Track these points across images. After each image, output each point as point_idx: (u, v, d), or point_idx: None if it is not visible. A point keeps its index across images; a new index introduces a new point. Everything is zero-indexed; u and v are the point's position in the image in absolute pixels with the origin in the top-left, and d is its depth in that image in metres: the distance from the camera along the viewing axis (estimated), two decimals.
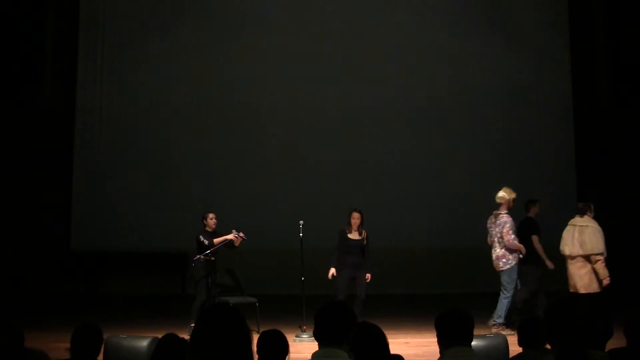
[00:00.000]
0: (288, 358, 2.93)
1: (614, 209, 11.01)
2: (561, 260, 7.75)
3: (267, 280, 10.54)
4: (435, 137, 12.03)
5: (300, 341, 6.85)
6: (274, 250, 10.93)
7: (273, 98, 12.05)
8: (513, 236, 7.42)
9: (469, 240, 11.51)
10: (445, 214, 11.64)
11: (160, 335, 3.47)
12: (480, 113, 12.05)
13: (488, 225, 7.68)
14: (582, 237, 7.41)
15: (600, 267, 7.32)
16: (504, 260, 7.44)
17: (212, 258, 7.80)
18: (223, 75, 12.13)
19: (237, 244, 7.83)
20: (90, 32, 12.30)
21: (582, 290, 7.37)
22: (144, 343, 4.92)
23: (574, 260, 7.47)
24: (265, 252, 11.01)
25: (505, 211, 7.57)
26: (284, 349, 2.91)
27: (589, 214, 7.56)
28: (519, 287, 7.61)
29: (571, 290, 7.43)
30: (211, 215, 7.93)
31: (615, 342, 3.64)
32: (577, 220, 7.56)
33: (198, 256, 7.67)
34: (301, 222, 7.64)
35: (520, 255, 7.48)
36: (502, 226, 7.44)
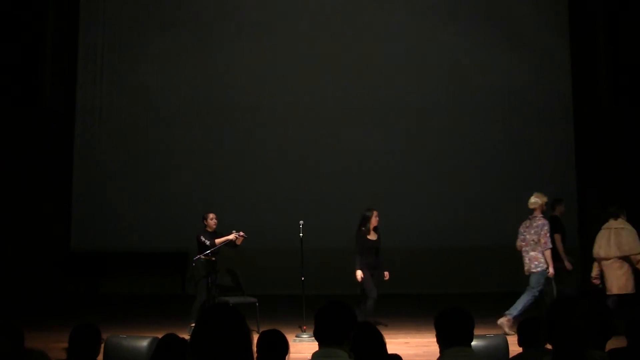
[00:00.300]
0: (288, 358, 2.93)
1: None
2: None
3: (267, 280, 10.54)
4: (435, 137, 12.03)
5: (300, 341, 6.85)
6: (274, 250, 10.93)
7: (273, 98, 12.05)
8: (549, 240, 7.49)
9: (469, 240, 11.54)
10: (445, 214, 11.64)
11: (160, 335, 3.47)
12: (480, 113, 12.05)
13: (521, 230, 7.73)
14: (619, 239, 7.47)
15: None
16: (535, 262, 7.50)
17: (213, 258, 7.81)
18: (223, 75, 12.13)
19: (238, 242, 7.85)
20: (90, 32, 12.30)
21: (615, 291, 7.43)
22: (144, 343, 4.93)
23: (610, 262, 7.52)
24: (265, 252, 11.01)
25: (541, 215, 7.64)
26: (284, 348, 2.91)
27: (622, 216, 7.62)
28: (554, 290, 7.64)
29: (607, 293, 7.46)
30: (211, 215, 7.94)
31: (615, 342, 3.63)
32: (612, 223, 7.63)
33: (198, 256, 7.68)
34: (301, 222, 7.64)
35: (537, 269, 7.50)
36: (540, 228, 7.51)
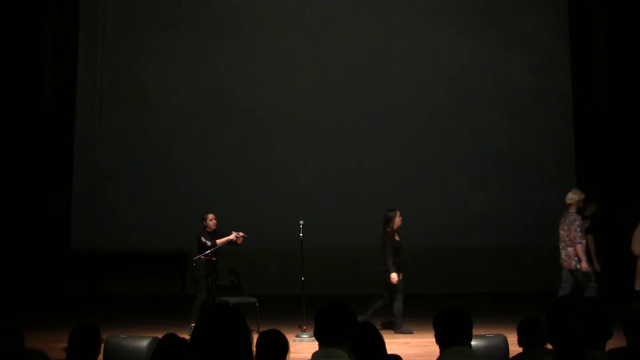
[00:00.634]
0: (288, 358, 2.93)
1: (614, 209, 11.01)
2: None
3: (267, 280, 10.55)
4: (435, 137, 12.03)
5: (300, 341, 6.86)
6: (274, 250, 10.93)
7: (273, 98, 12.05)
8: (580, 235, 7.51)
9: (469, 240, 11.54)
10: (445, 214, 11.64)
11: (160, 335, 3.47)
12: (480, 113, 12.05)
13: (559, 226, 7.75)
14: None
15: None
16: (576, 259, 7.51)
17: (214, 258, 7.82)
18: (223, 75, 12.13)
19: (239, 242, 7.88)
20: (90, 32, 12.30)
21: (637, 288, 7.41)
22: (144, 343, 4.93)
23: None
24: (265, 252, 11.01)
25: (575, 211, 7.70)
26: (284, 348, 2.91)
27: None
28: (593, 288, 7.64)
29: (636, 288, 7.46)
30: (211, 216, 7.95)
31: (615, 342, 3.64)
32: None
33: (198, 256, 7.70)
34: (301, 222, 7.65)
35: (578, 266, 7.50)
36: (571, 224, 7.58)
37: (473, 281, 11.19)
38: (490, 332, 5.35)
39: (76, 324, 3.55)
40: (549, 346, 2.90)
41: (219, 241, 7.77)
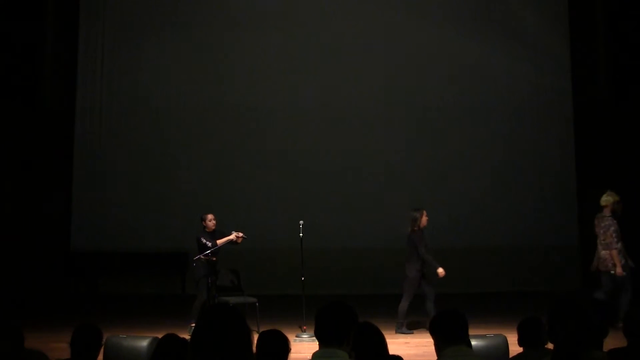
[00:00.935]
0: (289, 358, 2.92)
1: None
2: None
3: (267, 280, 10.54)
4: (435, 137, 12.02)
5: (300, 341, 6.86)
6: (274, 250, 10.93)
7: (273, 98, 12.05)
8: (615, 240, 7.54)
9: (469, 240, 11.54)
10: (446, 214, 11.61)
11: (160, 335, 3.47)
12: (480, 113, 12.04)
13: (595, 227, 7.81)
14: None
15: None
16: (612, 262, 7.51)
17: (214, 258, 7.83)
18: (223, 75, 12.13)
19: (239, 241, 7.90)
20: (91, 32, 12.31)
21: None
22: (144, 343, 4.93)
23: None
24: (265, 252, 11.02)
25: (609, 214, 7.74)
26: (285, 349, 2.91)
27: None
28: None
29: None
30: (210, 216, 7.96)
31: (616, 342, 3.63)
32: None
33: (198, 256, 7.70)
34: (301, 222, 7.65)
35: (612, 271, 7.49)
36: (607, 229, 7.62)
37: (473, 281, 11.19)
38: (490, 332, 5.35)
39: (79, 325, 3.58)
40: (549, 346, 2.91)
41: (219, 241, 7.79)
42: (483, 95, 12.07)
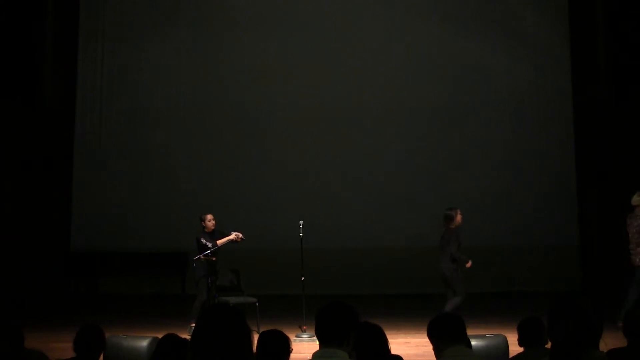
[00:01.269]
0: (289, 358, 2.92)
1: (614, 209, 11.00)
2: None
3: (267, 280, 10.54)
4: (435, 137, 12.02)
5: (300, 341, 6.86)
6: (274, 250, 10.93)
7: (273, 98, 12.06)
8: None
9: (468, 240, 11.49)
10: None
11: (160, 335, 3.47)
12: (479, 113, 12.04)
13: (626, 227, 7.85)
14: None
15: None
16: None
17: (214, 258, 7.83)
18: (223, 75, 12.13)
19: (238, 241, 7.91)
20: (90, 32, 12.31)
21: None
22: (144, 343, 4.93)
23: None
24: (265, 252, 11.02)
25: None
26: (285, 349, 2.91)
27: None
28: None
29: None
30: (209, 216, 7.96)
31: (616, 342, 3.63)
32: None
33: (198, 256, 7.71)
34: (301, 222, 7.65)
35: None
36: (639, 228, 7.67)
37: (473, 281, 11.15)
38: (490, 332, 5.35)
39: (82, 326, 3.60)
40: (550, 346, 2.91)
41: (219, 242, 7.79)
42: (483, 95, 12.06)
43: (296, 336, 7.01)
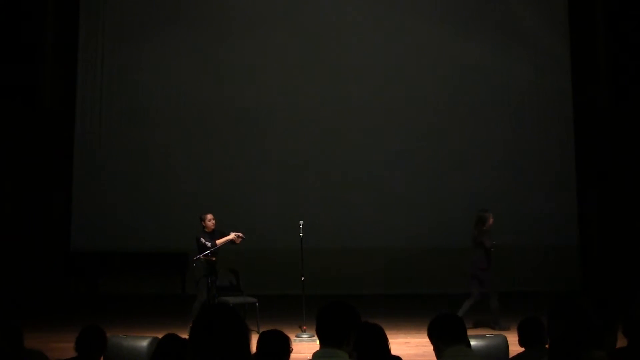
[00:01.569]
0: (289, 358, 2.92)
1: (614, 209, 11.01)
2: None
3: (267, 280, 10.54)
4: (435, 137, 12.02)
5: (300, 341, 6.86)
6: (274, 250, 10.94)
7: (273, 98, 12.06)
8: None
9: (468, 240, 11.50)
10: (445, 214, 11.63)
11: (160, 335, 3.47)
12: (479, 113, 12.04)
13: None
14: None
15: None
16: None
17: (213, 258, 7.83)
18: (223, 75, 12.13)
19: (237, 242, 7.91)
20: (91, 32, 12.31)
21: None
22: (144, 343, 4.93)
23: None
24: (265, 252, 11.02)
25: None
26: (285, 349, 2.91)
27: None
28: None
29: None
30: (209, 216, 7.95)
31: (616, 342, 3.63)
32: None
33: (198, 256, 7.70)
34: (301, 222, 7.65)
35: None
36: None
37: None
38: (490, 332, 5.35)
39: (85, 327, 3.62)
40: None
41: (218, 241, 7.78)
42: (483, 96, 12.06)
43: (296, 336, 7.02)
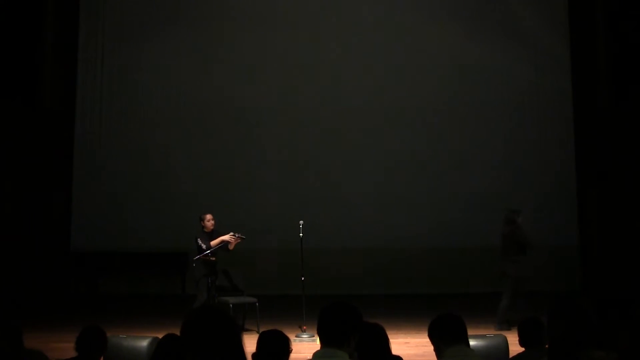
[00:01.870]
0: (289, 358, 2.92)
1: (614, 209, 11.01)
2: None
3: (267, 280, 10.55)
4: (435, 137, 12.03)
5: (300, 341, 6.86)
6: (274, 250, 10.94)
7: (273, 98, 12.06)
8: None
9: (468, 241, 11.53)
10: (445, 214, 11.64)
11: (160, 335, 3.47)
12: (479, 113, 12.04)
13: None
14: None
15: None
16: None
17: (212, 259, 7.82)
18: (223, 75, 12.13)
19: (231, 247, 7.79)
20: (91, 32, 12.31)
21: None
22: (144, 343, 4.93)
23: None
24: (265, 252, 11.02)
25: None
26: (285, 349, 2.90)
27: None
28: None
29: None
30: (208, 216, 7.94)
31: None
32: None
33: (198, 256, 7.70)
34: (301, 222, 7.65)
35: None
36: None
37: (473, 281, 11.18)
38: (490, 332, 5.35)
39: (85, 327, 3.62)
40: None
41: (213, 242, 7.74)
42: (483, 95, 12.06)
43: (296, 336, 7.02)
